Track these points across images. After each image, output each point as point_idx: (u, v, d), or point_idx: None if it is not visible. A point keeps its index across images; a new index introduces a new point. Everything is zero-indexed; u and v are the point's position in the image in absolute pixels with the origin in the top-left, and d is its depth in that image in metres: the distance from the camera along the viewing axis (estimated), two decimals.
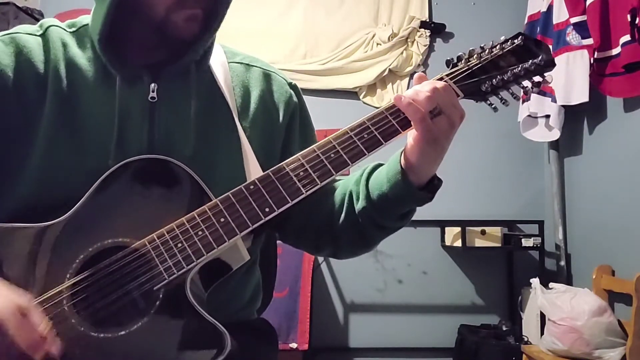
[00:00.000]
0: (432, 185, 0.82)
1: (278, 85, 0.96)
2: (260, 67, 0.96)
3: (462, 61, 0.85)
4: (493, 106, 0.85)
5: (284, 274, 2.44)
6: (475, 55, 0.85)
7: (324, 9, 3.06)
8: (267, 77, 0.96)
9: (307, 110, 1.00)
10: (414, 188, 0.80)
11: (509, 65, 0.84)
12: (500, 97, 0.86)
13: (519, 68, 0.83)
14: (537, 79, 0.85)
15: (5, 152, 0.79)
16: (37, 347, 0.63)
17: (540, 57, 0.83)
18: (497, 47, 0.86)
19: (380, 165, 0.87)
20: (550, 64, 0.84)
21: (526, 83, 0.85)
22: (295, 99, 0.97)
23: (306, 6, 3.05)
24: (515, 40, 0.85)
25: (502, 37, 0.87)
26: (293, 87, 0.99)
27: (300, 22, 3.04)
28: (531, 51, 0.85)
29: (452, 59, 0.86)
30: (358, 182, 0.87)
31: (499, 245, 2.71)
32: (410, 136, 0.80)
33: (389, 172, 0.82)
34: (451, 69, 0.85)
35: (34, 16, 2.63)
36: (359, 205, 0.85)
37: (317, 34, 3.04)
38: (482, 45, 0.86)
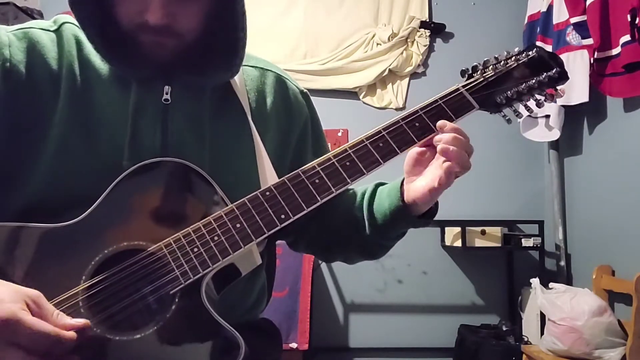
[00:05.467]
0: (431, 211, 0.85)
1: (292, 94, 0.96)
2: (274, 72, 0.96)
3: (478, 72, 0.86)
4: (507, 118, 0.86)
5: (284, 274, 2.44)
6: (491, 67, 0.86)
7: (324, 9, 3.06)
8: (281, 83, 0.96)
9: (319, 120, 1.01)
10: (415, 219, 0.84)
11: (523, 77, 0.85)
12: (513, 108, 0.87)
13: (533, 81, 0.84)
14: (550, 91, 0.86)
15: (18, 149, 0.79)
16: (56, 338, 0.61)
17: (554, 70, 0.84)
18: (512, 58, 0.87)
19: (379, 185, 0.90)
20: (563, 77, 0.85)
21: (539, 95, 0.86)
22: (307, 109, 0.98)
23: (306, 6, 3.06)
24: (530, 53, 0.86)
25: (516, 49, 0.88)
26: (305, 96, 0.99)
27: (300, 22, 3.04)
28: (545, 63, 0.85)
29: (467, 69, 0.87)
30: (361, 208, 0.90)
31: (499, 245, 2.71)
32: (418, 183, 0.81)
33: (391, 204, 0.84)
34: (466, 79, 0.86)
35: (33, 16, 2.64)
36: (365, 232, 0.90)
37: (317, 34, 3.04)
38: (496, 56, 0.87)
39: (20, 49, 0.80)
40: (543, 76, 0.84)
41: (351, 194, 0.95)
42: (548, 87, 0.85)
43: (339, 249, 0.96)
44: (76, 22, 0.86)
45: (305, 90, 1.00)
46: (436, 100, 0.84)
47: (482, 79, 0.85)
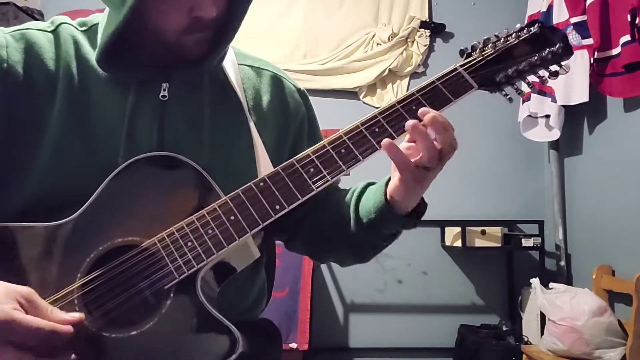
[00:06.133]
0: (418, 211, 0.82)
1: (289, 92, 0.96)
2: (271, 71, 0.96)
3: (477, 51, 0.83)
4: (508, 97, 0.83)
5: (284, 274, 2.44)
6: (490, 45, 0.82)
7: (324, 9, 3.06)
8: (278, 82, 0.96)
9: (316, 119, 1.01)
10: (399, 217, 0.80)
11: (525, 55, 0.82)
12: (515, 87, 0.83)
13: (536, 57, 0.81)
14: (553, 68, 0.82)
15: (15, 148, 0.79)
16: (51, 333, 0.61)
17: (557, 45, 0.81)
18: (513, 35, 0.83)
19: (369, 185, 0.88)
20: (568, 52, 0.81)
21: (542, 72, 0.82)
22: (304, 108, 0.98)
23: (306, 6, 3.05)
24: (532, 28, 0.83)
25: (517, 25, 0.84)
26: (302, 94, 0.99)
27: (300, 22, 3.04)
28: (548, 39, 0.82)
29: (466, 48, 0.83)
30: (349, 205, 0.89)
31: (499, 245, 2.71)
32: (394, 175, 0.79)
33: (375, 201, 0.82)
34: (465, 58, 0.83)
35: (33, 16, 2.64)
36: (350, 230, 0.87)
37: (317, 34, 3.04)
38: (496, 34, 0.83)
39: (18, 49, 0.80)
40: (545, 52, 0.80)
41: (344, 192, 0.94)
42: (551, 64, 0.81)
43: (330, 248, 0.94)
44: (73, 23, 0.87)
45: (302, 89, 0.99)
46: (433, 82, 0.80)
47: (481, 57, 0.82)
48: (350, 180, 0.93)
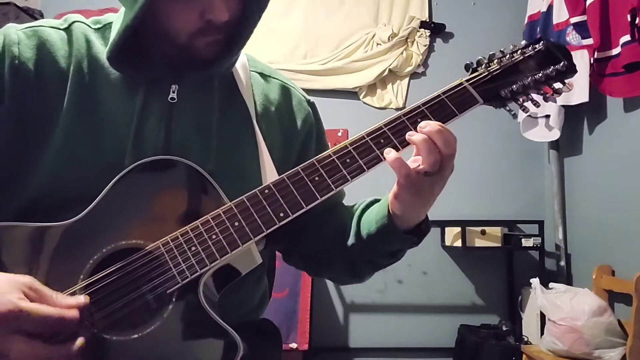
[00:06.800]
0: (420, 230, 0.82)
1: (297, 101, 0.96)
2: (280, 80, 0.96)
3: (482, 66, 0.84)
4: (512, 112, 0.84)
5: (284, 275, 2.44)
6: (496, 60, 0.84)
7: (324, 9, 3.06)
8: (287, 91, 0.96)
9: (323, 129, 1.01)
10: (400, 232, 0.80)
11: (530, 71, 0.83)
12: (519, 102, 0.84)
13: (540, 74, 0.82)
14: (557, 85, 0.83)
15: (24, 145, 0.79)
16: (59, 319, 0.61)
17: (562, 63, 0.82)
18: (518, 52, 0.84)
19: (376, 201, 0.88)
20: (572, 70, 0.83)
21: (546, 89, 0.84)
22: (312, 117, 0.98)
23: (306, 6, 3.05)
24: (537, 46, 0.84)
25: (522, 42, 0.86)
26: (311, 104, 0.99)
27: (300, 22, 3.04)
28: (552, 56, 0.83)
29: (472, 63, 0.85)
30: (352, 217, 0.89)
31: (499, 245, 2.71)
32: (395, 187, 0.79)
33: (377, 213, 0.82)
34: (471, 73, 0.84)
35: (34, 16, 2.64)
36: (349, 242, 0.87)
37: (317, 34, 3.04)
38: (502, 50, 0.84)
39: (30, 46, 0.81)
40: (550, 69, 0.82)
41: (349, 206, 0.94)
42: (555, 81, 0.83)
43: (328, 261, 0.93)
44: (87, 22, 0.87)
45: (311, 100, 1.00)
46: (439, 95, 0.81)
47: (486, 72, 0.83)
48: (355, 191, 0.92)
